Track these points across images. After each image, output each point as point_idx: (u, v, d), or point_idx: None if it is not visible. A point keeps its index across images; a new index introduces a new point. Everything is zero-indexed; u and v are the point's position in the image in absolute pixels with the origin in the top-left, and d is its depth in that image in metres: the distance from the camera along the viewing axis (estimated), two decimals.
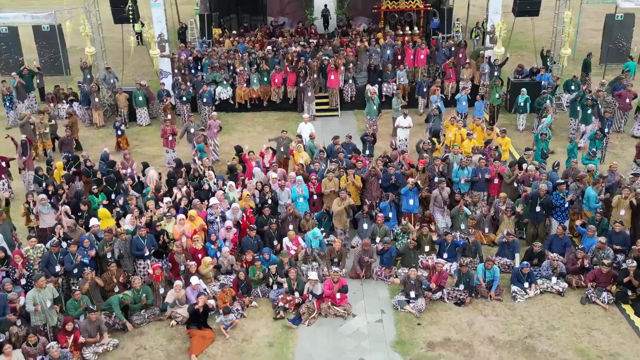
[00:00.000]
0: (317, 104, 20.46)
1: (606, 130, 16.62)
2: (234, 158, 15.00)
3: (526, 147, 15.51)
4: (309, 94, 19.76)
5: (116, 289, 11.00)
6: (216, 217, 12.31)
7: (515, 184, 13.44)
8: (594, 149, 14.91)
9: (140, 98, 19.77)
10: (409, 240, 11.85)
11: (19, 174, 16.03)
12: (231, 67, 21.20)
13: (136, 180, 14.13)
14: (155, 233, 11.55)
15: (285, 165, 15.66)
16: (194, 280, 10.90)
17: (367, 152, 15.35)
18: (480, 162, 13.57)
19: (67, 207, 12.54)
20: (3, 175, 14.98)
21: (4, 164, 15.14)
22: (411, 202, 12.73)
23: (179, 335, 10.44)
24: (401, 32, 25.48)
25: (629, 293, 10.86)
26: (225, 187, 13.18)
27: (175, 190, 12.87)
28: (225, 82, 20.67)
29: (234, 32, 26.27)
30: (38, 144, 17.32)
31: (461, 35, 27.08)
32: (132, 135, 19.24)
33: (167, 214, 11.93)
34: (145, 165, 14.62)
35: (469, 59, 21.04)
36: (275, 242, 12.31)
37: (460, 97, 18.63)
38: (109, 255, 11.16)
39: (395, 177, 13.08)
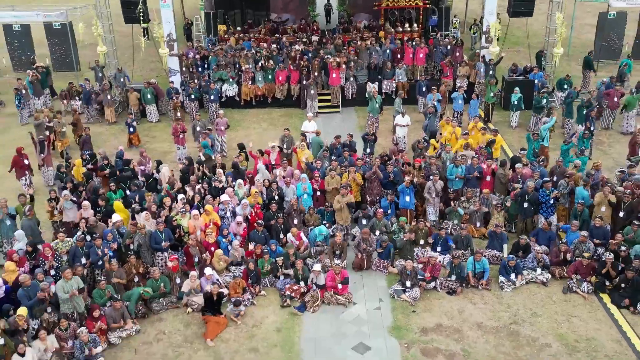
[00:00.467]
0: (319, 101, 21.35)
1: (592, 128, 17.49)
2: (240, 154, 15.89)
3: (521, 148, 16.37)
4: (312, 91, 20.63)
5: (135, 279, 11.98)
6: (227, 213, 13.27)
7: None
8: (583, 148, 15.82)
9: (149, 96, 20.63)
10: (405, 235, 12.81)
11: (38, 169, 16.98)
12: (237, 65, 22.05)
13: (151, 177, 15.02)
14: (171, 227, 12.51)
15: (289, 161, 16.57)
16: (208, 271, 11.88)
17: (368, 150, 16.25)
18: (473, 161, 14.49)
19: (87, 203, 13.46)
20: (26, 172, 15.94)
21: (26, 161, 16.09)
22: (407, 198, 13.67)
23: (195, 321, 11.43)
24: (401, 29, 26.28)
25: (607, 283, 11.84)
26: (234, 184, 14.12)
27: (188, 188, 13.79)
28: (231, 80, 21.53)
29: (239, 28, 27.06)
30: (57, 143, 18.15)
31: (459, 32, 27.84)
32: (143, 131, 20.15)
33: (182, 210, 12.89)
34: (159, 163, 15.56)
35: (467, 59, 21.79)
36: (282, 236, 13.25)
37: (456, 95, 19.48)
38: (131, 247, 12.13)
39: (393, 175, 14.02)
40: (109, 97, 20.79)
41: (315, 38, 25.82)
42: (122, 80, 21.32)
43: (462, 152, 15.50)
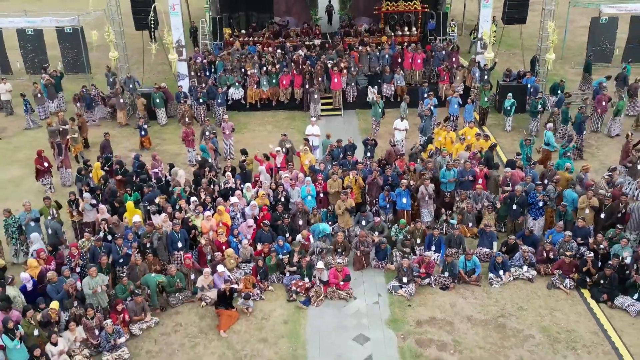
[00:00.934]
0: (321, 104, 22.32)
1: (582, 134, 18.50)
2: (244, 160, 16.83)
3: (517, 152, 17.32)
4: (316, 96, 21.59)
5: (152, 275, 12.98)
6: (237, 214, 14.28)
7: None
8: (569, 150, 16.82)
9: (158, 100, 21.60)
10: (404, 237, 13.88)
11: (57, 170, 17.98)
12: (243, 70, 23.01)
13: (163, 180, 16.00)
14: (187, 228, 13.52)
15: (289, 161, 17.44)
16: (220, 268, 12.88)
17: (369, 154, 17.23)
18: (466, 165, 15.48)
19: (103, 207, 14.42)
20: (46, 175, 16.94)
21: (46, 164, 17.08)
22: (404, 200, 14.66)
23: (209, 314, 12.45)
24: (400, 33, 27.20)
25: (587, 280, 12.84)
26: (242, 187, 15.12)
27: (200, 192, 14.78)
28: (237, 84, 22.50)
29: (243, 31, 27.97)
30: (70, 147, 19.08)
31: (456, 35, 28.76)
32: (154, 134, 21.12)
33: (196, 211, 13.91)
34: (172, 166, 16.54)
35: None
36: (287, 235, 14.22)
37: (452, 99, 20.45)
38: (148, 245, 13.15)
39: (391, 179, 15.02)
40: (121, 100, 21.77)
41: (317, 42, 26.78)
42: (131, 86, 22.21)
43: (464, 153, 16.51)
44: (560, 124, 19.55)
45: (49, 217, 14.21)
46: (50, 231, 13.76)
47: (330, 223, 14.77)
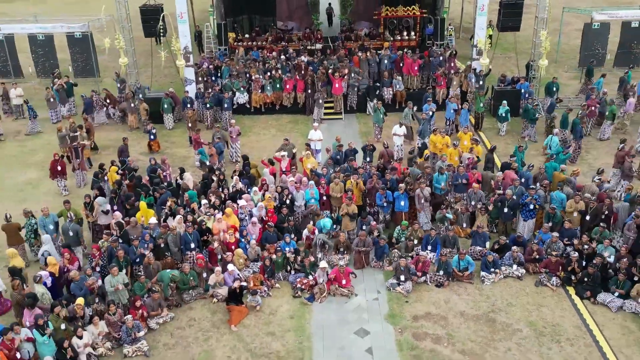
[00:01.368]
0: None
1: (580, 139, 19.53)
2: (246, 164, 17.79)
3: (510, 154, 18.18)
4: (320, 100, 22.52)
5: (167, 271, 13.90)
6: (245, 216, 15.21)
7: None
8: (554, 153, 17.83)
9: (166, 105, 22.49)
10: (406, 241, 14.84)
11: (72, 172, 18.89)
12: (247, 75, 23.90)
13: (173, 184, 16.90)
14: (200, 230, 14.46)
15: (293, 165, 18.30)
16: (230, 267, 13.82)
17: (368, 159, 18.15)
18: (459, 169, 16.41)
19: (118, 213, 15.30)
20: (60, 177, 17.84)
21: (59, 167, 17.98)
22: (402, 203, 15.59)
23: (220, 310, 13.39)
24: (399, 37, 28.09)
25: (572, 278, 13.79)
26: (250, 190, 16.04)
27: (211, 195, 15.70)
28: (242, 89, 23.39)
29: (247, 35, 28.84)
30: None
31: (454, 39, 29.61)
32: (163, 137, 22.04)
33: (208, 214, 14.85)
34: (182, 171, 17.45)
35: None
36: (293, 235, 15.12)
37: (448, 104, 21.35)
38: (162, 245, 14.09)
39: (390, 183, 15.96)
40: (132, 105, 22.67)
41: (318, 46, 27.69)
42: (140, 96, 23.05)
43: (466, 154, 17.51)
44: (560, 128, 20.37)
45: (67, 220, 15.10)
46: (71, 233, 14.64)
47: (335, 227, 15.72)
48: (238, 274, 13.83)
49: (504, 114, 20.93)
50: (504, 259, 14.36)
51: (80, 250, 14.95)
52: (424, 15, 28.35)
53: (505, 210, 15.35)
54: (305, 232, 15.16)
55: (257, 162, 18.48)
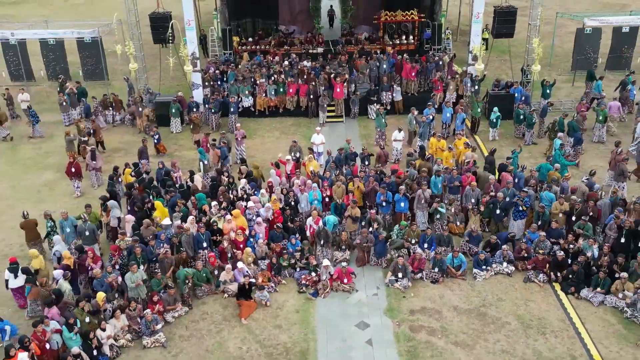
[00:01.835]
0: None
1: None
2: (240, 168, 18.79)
3: (507, 157, 19.13)
4: (325, 105, 23.50)
5: (184, 270, 14.91)
6: (253, 216, 16.22)
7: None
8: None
9: (174, 110, 23.47)
10: (403, 238, 15.86)
11: (87, 171, 19.88)
12: (252, 79, 24.88)
13: (185, 186, 17.89)
14: (211, 230, 15.48)
15: (297, 167, 19.31)
16: (240, 264, 14.83)
17: (367, 162, 19.15)
18: (453, 172, 17.43)
19: (130, 217, 16.24)
20: (74, 179, 18.83)
21: (73, 169, 18.96)
22: (402, 204, 16.60)
23: (231, 304, 14.41)
24: (398, 41, 29.07)
25: (558, 274, 14.81)
26: (257, 193, 17.04)
27: (220, 197, 16.72)
28: (247, 93, 24.38)
29: (250, 39, 29.79)
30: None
31: (451, 42, 30.58)
32: (171, 140, 23.06)
33: (219, 215, 15.87)
34: (192, 173, 18.44)
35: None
36: (297, 235, 16.11)
37: (444, 108, 22.34)
38: (178, 244, 15.13)
39: (390, 186, 16.96)
40: (140, 109, 23.65)
41: (320, 50, 28.66)
42: (144, 101, 24.03)
43: (469, 153, 18.64)
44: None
45: (82, 220, 16.02)
46: (87, 233, 15.62)
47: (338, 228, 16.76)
48: (247, 271, 14.84)
49: (494, 120, 21.84)
50: (494, 257, 15.37)
51: (97, 248, 15.94)
52: (422, 19, 29.34)
53: (498, 211, 16.35)
54: (309, 221, 16.13)
55: (258, 163, 19.58)
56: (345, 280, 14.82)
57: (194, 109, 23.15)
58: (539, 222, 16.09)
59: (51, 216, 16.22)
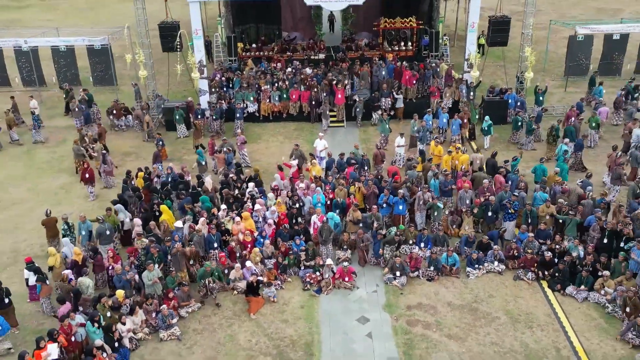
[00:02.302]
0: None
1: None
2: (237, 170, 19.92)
3: (505, 160, 20.16)
4: (327, 111, 24.55)
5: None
6: (259, 218, 17.28)
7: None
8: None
9: (178, 116, 24.49)
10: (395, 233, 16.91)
11: (98, 175, 20.94)
12: (257, 86, 25.93)
13: (196, 188, 18.94)
14: (220, 231, 16.53)
15: (300, 172, 20.28)
16: (248, 263, 15.88)
17: (366, 167, 20.18)
18: (447, 177, 18.49)
19: (138, 220, 17.24)
20: (88, 184, 19.88)
21: (87, 175, 19.98)
22: (400, 207, 17.64)
23: (240, 300, 15.46)
24: (397, 48, 30.09)
25: (545, 273, 15.87)
26: (263, 198, 18.09)
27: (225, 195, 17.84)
28: (251, 99, 25.42)
29: (254, 45, 30.80)
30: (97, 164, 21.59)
31: (448, 48, 31.59)
32: (180, 144, 24.12)
33: (227, 217, 16.92)
34: (199, 178, 19.46)
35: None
36: (302, 236, 17.14)
37: (440, 113, 23.39)
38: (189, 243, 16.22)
39: (388, 188, 18.02)
40: (144, 115, 24.67)
41: (321, 55, 29.69)
42: (158, 107, 25.07)
43: (475, 155, 19.88)
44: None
45: (100, 221, 17.06)
46: (108, 232, 16.67)
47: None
48: (255, 270, 15.89)
49: (486, 128, 22.81)
50: (486, 256, 16.42)
51: (112, 247, 16.96)
52: (421, 26, 30.33)
53: (489, 213, 17.41)
54: (313, 218, 17.16)
55: (257, 166, 20.83)
56: (347, 279, 15.87)
57: (199, 116, 24.18)
58: (529, 221, 17.12)
59: (67, 219, 17.25)
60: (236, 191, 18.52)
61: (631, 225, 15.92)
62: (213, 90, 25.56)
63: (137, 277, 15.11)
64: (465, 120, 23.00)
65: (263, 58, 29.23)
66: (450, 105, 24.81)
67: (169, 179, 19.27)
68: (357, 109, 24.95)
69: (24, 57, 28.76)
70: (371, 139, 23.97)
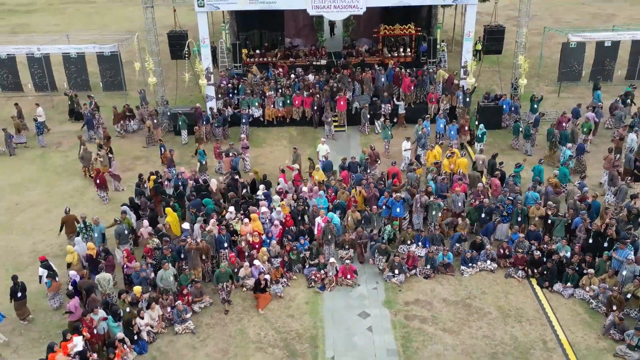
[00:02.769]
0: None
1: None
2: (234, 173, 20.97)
3: (500, 162, 21.15)
4: (329, 119, 25.63)
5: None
6: (266, 220, 18.33)
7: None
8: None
9: (181, 123, 25.52)
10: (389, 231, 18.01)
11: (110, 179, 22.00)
12: (261, 92, 26.98)
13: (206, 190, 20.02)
14: (229, 231, 17.60)
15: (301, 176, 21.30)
16: (256, 262, 16.94)
17: (368, 170, 21.24)
18: (443, 181, 19.56)
19: (146, 222, 18.29)
20: (100, 189, 20.94)
21: (98, 181, 21.02)
22: (398, 210, 18.69)
23: (249, 297, 16.52)
24: (396, 54, 31.13)
25: (535, 271, 16.92)
26: (269, 202, 19.16)
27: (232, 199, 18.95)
28: (256, 104, 26.49)
29: (258, 51, 31.83)
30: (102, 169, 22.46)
31: (446, 54, 32.60)
32: (186, 149, 25.10)
33: (236, 218, 18.00)
34: (205, 182, 20.51)
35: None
36: (306, 236, 18.19)
37: (438, 119, 24.45)
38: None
39: (387, 191, 19.08)
40: (155, 120, 25.75)
41: (323, 62, 30.74)
42: (164, 114, 26.15)
43: (480, 156, 21.02)
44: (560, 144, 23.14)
45: (117, 223, 18.09)
46: (127, 232, 17.69)
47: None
48: (262, 269, 16.94)
49: (480, 136, 23.79)
50: (480, 255, 17.49)
51: (129, 247, 18.01)
52: (419, 33, 31.34)
53: (483, 215, 18.47)
54: (318, 220, 18.21)
55: (257, 168, 22.08)
56: (349, 276, 16.93)
57: (204, 122, 25.25)
58: (519, 219, 18.15)
59: (85, 219, 18.28)
60: (244, 190, 19.59)
61: (614, 227, 16.93)
62: (219, 96, 26.58)
63: (153, 275, 16.16)
64: (467, 128, 24.01)
65: (269, 64, 30.22)
66: (448, 111, 25.81)
67: (179, 183, 20.28)
68: (362, 114, 25.88)
69: (36, 64, 29.76)
70: (372, 142, 24.92)
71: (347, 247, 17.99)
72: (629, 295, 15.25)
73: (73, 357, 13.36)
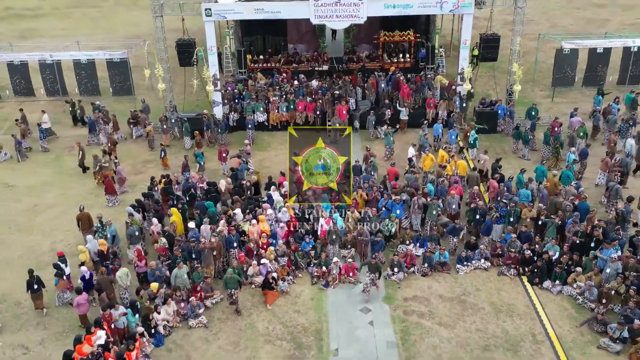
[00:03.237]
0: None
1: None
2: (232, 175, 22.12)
3: (499, 165, 22.17)
4: (338, 124, 26.63)
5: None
6: (272, 222, 19.39)
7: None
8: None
9: (184, 129, 26.56)
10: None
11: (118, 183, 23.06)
12: (265, 97, 28.05)
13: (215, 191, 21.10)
14: (238, 232, 18.66)
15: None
16: (264, 261, 18.01)
17: (373, 173, 22.29)
18: (443, 183, 20.63)
19: (155, 220, 19.27)
20: (109, 195, 22.01)
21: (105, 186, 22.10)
22: (398, 211, 19.76)
23: (257, 293, 17.58)
24: (395, 60, 32.19)
25: (526, 269, 17.99)
26: (271, 202, 20.24)
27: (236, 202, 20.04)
28: (261, 109, 27.56)
29: (261, 57, 32.87)
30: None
31: (444, 60, 33.66)
32: (189, 153, 26.02)
33: (244, 219, 19.07)
34: (213, 184, 21.55)
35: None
36: (310, 236, 19.25)
37: (436, 124, 25.52)
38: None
39: (389, 194, 20.15)
40: (164, 126, 26.80)
41: (325, 67, 31.79)
42: (173, 121, 27.26)
43: (483, 156, 22.16)
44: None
45: (129, 224, 19.17)
46: (137, 232, 18.75)
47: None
48: (270, 267, 18.01)
49: (472, 142, 24.81)
50: (474, 254, 18.56)
51: (140, 246, 19.05)
52: (418, 39, 32.42)
53: (477, 216, 19.54)
54: (321, 221, 19.25)
55: (258, 169, 23.21)
56: (351, 274, 18.01)
57: (206, 128, 26.33)
58: (512, 219, 19.19)
59: (101, 218, 19.34)
60: (248, 192, 20.68)
61: (601, 229, 17.99)
62: (225, 101, 27.64)
63: (167, 272, 17.23)
64: (468, 134, 25.06)
65: (273, 70, 31.27)
66: (446, 117, 26.88)
67: (189, 186, 21.33)
68: (367, 120, 26.84)
69: (48, 70, 30.83)
70: (372, 147, 25.96)
71: (349, 246, 19.05)
72: (612, 292, 16.32)
73: (97, 349, 14.42)
